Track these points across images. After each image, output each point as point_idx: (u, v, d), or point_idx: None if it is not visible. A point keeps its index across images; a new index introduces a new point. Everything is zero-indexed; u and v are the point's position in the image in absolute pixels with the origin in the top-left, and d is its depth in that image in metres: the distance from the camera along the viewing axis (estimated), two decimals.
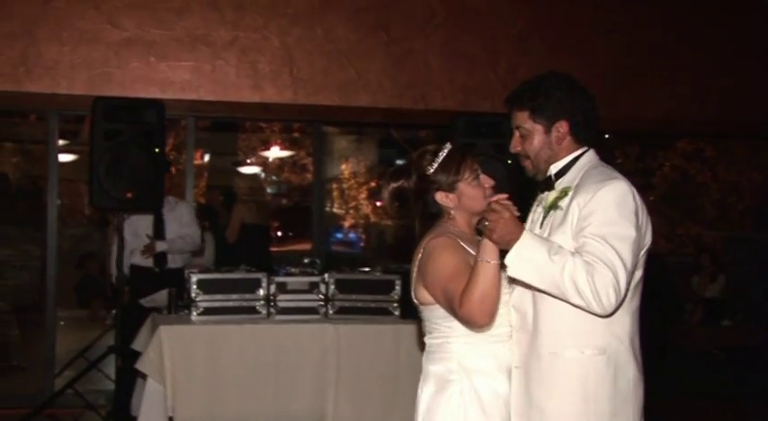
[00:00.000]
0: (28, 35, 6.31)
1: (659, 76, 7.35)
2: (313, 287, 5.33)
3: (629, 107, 7.30)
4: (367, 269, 5.73)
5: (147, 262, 6.47)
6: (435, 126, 7.61)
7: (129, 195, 5.69)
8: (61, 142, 8.32)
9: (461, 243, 2.78)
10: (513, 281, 2.68)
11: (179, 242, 6.57)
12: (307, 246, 8.28)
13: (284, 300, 5.29)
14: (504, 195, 2.65)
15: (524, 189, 3.16)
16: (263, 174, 14.31)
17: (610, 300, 2.44)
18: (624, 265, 2.46)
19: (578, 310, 2.51)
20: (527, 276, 2.54)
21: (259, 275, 5.33)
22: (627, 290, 2.51)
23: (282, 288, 5.30)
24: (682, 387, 8.19)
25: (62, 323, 8.17)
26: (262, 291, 5.27)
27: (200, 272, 5.42)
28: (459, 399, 2.73)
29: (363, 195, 15.66)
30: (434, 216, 2.90)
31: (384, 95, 6.92)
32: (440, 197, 2.86)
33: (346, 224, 15.77)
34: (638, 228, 2.54)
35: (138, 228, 6.50)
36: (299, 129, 13.54)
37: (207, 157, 13.64)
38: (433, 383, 2.80)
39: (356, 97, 6.87)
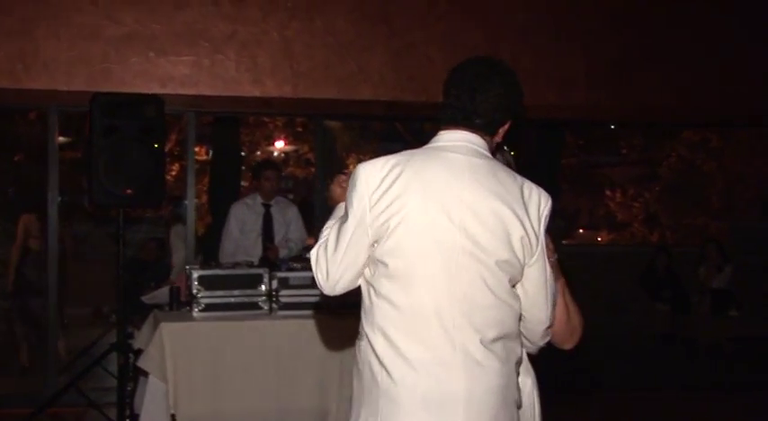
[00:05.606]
0: (25, 32, 6.25)
1: (664, 65, 7.28)
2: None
3: (633, 97, 7.24)
4: None
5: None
6: (438, 119, 7.55)
7: (128, 192, 5.63)
8: (62, 139, 8.31)
9: None
10: None
11: (287, 245, 6.64)
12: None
13: (286, 296, 5.26)
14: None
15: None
16: None
17: (316, 277, 2.47)
18: (326, 246, 2.44)
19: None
20: None
21: (261, 271, 5.30)
22: (333, 272, 2.41)
23: (285, 283, 5.26)
24: (691, 378, 8.15)
25: (66, 321, 8.14)
26: (264, 287, 5.23)
27: (202, 268, 5.37)
28: None
29: None
30: None
31: (385, 88, 6.86)
32: None
33: None
34: (355, 209, 2.39)
35: (245, 223, 6.58)
36: (302, 123, 13.49)
37: (210, 153, 13.59)
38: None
39: (357, 90, 6.81)
